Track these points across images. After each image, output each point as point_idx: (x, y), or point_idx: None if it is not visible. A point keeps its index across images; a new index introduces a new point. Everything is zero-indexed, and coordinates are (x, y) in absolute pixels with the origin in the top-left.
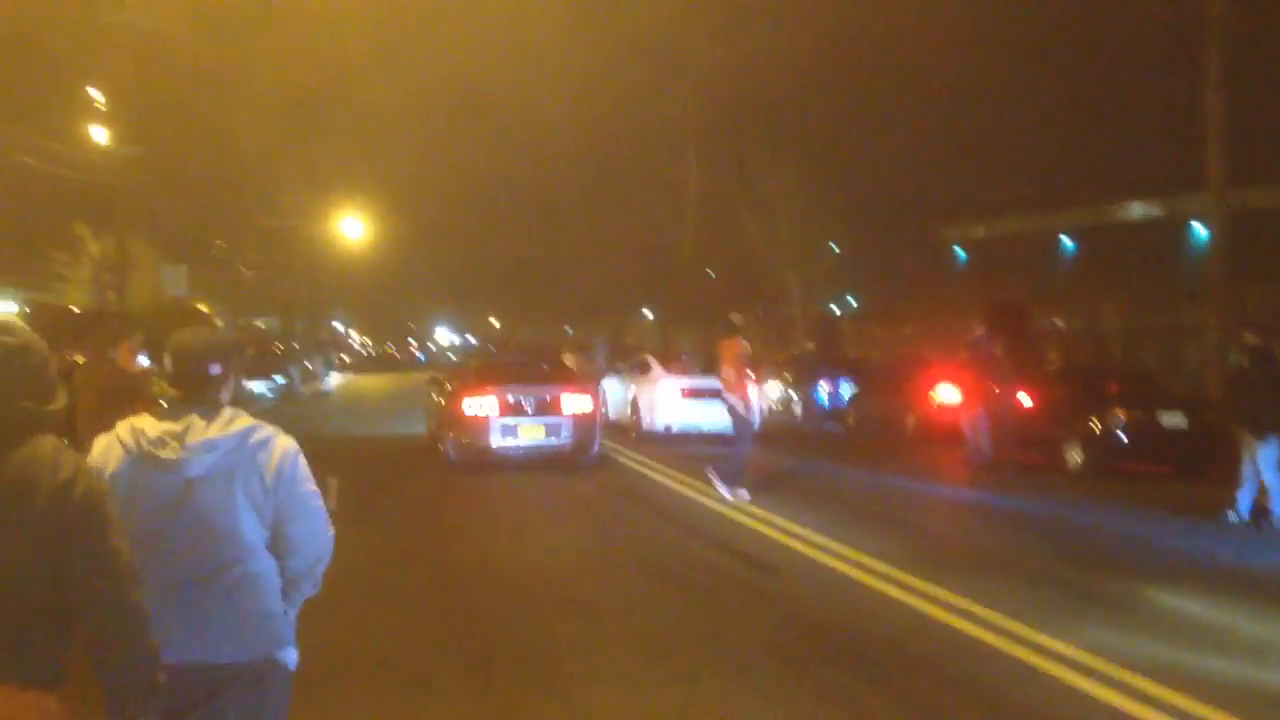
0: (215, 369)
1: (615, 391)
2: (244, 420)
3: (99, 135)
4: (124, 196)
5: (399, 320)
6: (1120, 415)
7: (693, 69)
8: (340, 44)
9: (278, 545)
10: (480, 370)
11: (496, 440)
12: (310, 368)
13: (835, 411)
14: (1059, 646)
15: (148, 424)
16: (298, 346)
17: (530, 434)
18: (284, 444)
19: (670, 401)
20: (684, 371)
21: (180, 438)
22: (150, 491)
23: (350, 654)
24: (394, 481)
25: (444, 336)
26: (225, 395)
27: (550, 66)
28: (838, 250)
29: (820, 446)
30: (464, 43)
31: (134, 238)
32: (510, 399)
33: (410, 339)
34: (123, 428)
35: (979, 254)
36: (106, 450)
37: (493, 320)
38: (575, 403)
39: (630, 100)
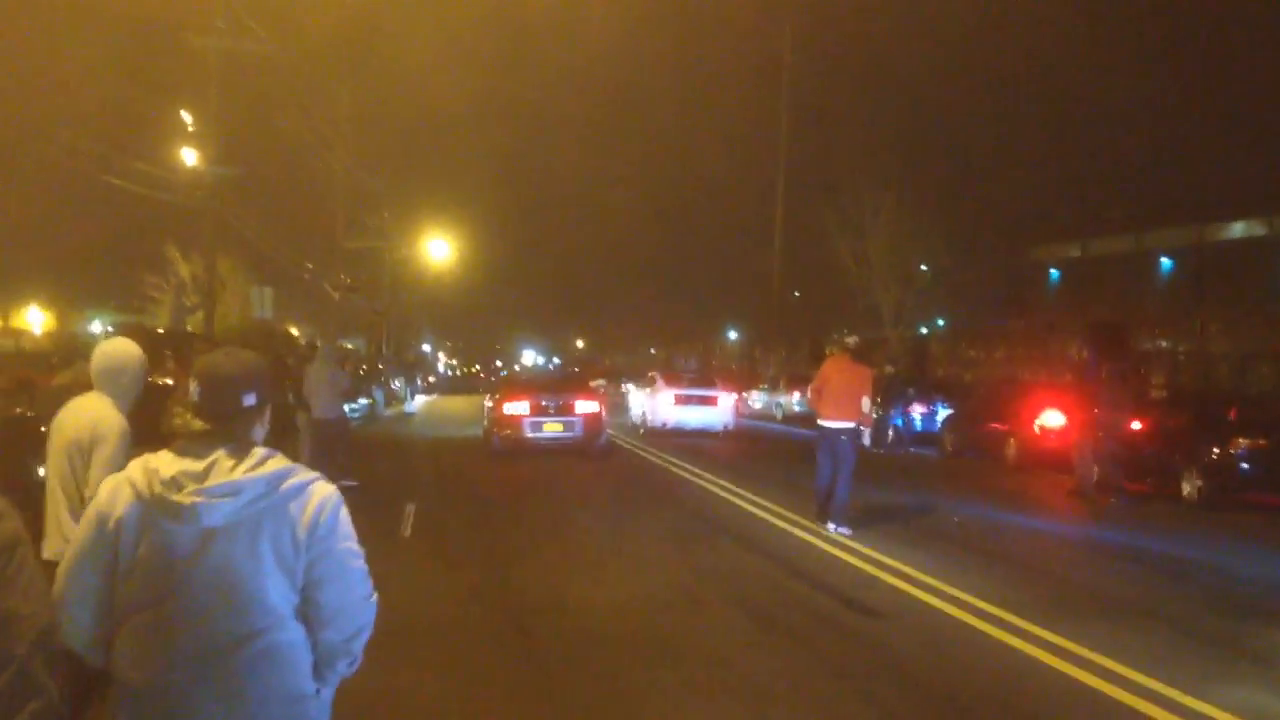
0: (249, 399)
1: (635, 400)
2: (277, 462)
3: (189, 158)
4: (212, 218)
5: (487, 342)
6: (1242, 443)
7: (784, 91)
8: (434, 68)
9: (309, 613)
10: (518, 384)
11: (528, 433)
12: (395, 389)
13: (929, 435)
14: (1204, 708)
15: (164, 462)
16: (382, 367)
17: (551, 429)
18: (322, 492)
19: (667, 406)
20: (680, 384)
21: (200, 480)
22: (162, 543)
23: (409, 706)
24: (462, 501)
25: (529, 358)
26: (260, 431)
27: (643, 91)
28: (928, 271)
29: (915, 473)
30: (559, 73)
31: (223, 259)
32: (540, 403)
33: (497, 361)
34: (135, 466)
35: (1073, 274)
36: (114, 491)
37: (579, 343)
38: (585, 406)
39: (721, 123)
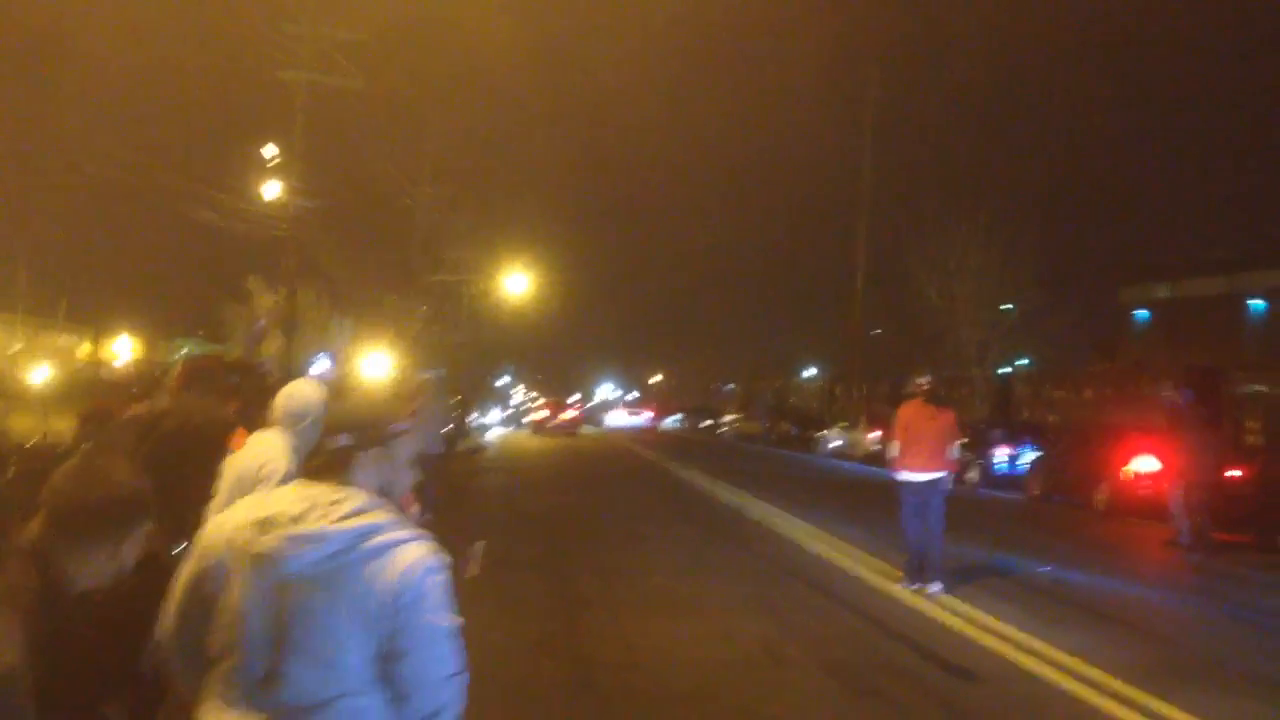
0: (342, 439)
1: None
2: (375, 515)
3: (272, 190)
4: (294, 249)
5: (568, 376)
6: None
7: (869, 126)
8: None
9: (390, 683)
10: (550, 403)
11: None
12: (469, 422)
13: (1013, 478)
14: None
15: (273, 499)
16: (458, 399)
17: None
18: (413, 554)
19: (617, 418)
20: (627, 409)
21: (295, 522)
22: (243, 587)
23: None
24: (529, 540)
25: (606, 391)
26: (365, 477)
27: (731, 129)
28: (1013, 310)
29: (999, 518)
30: (646, 112)
31: (303, 291)
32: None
33: (576, 394)
34: (245, 502)
35: (1163, 316)
36: (217, 527)
37: (657, 377)
38: (573, 412)
39: (808, 158)
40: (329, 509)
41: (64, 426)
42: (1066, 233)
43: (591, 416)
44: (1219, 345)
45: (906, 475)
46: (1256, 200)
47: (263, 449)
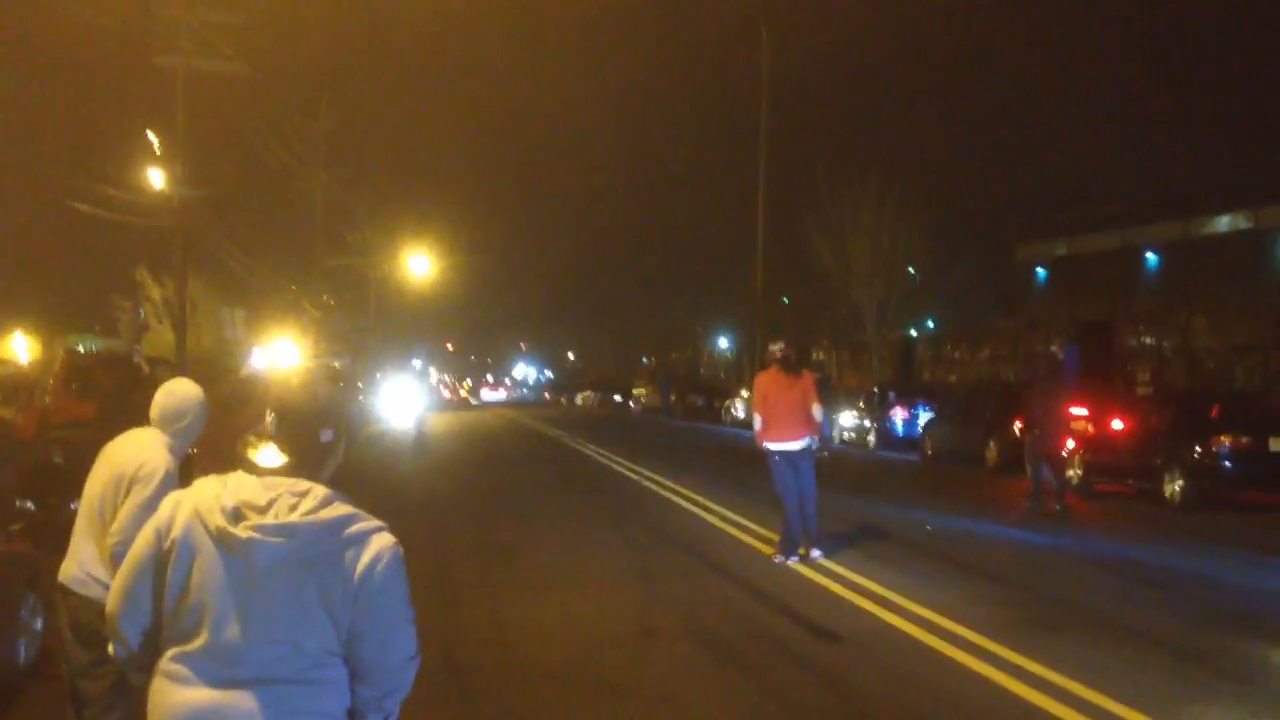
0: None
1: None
2: (339, 508)
3: (157, 179)
4: (181, 240)
5: (481, 357)
6: (1225, 441)
7: (763, 86)
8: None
9: (350, 663)
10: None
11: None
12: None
13: (911, 440)
14: None
15: (230, 489)
16: (361, 386)
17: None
18: (381, 544)
19: (486, 392)
20: (493, 385)
21: (261, 513)
22: (213, 573)
23: None
24: (418, 521)
25: (521, 372)
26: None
27: (615, 85)
28: (914, 273)
29: (893, 480)
30: (538, 82)
31: (195, 281)
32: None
33: (488, 375)
34: (202, 487)
35: (1060, 272)
36: (175, 509)
37: (570, 355)
38: (462, 392)
39: (704, 127)
40: (295, 501)
41: None
42: (960, 191)
43: (474, 393)
44: (1116, 300)
45: (772, 446)
46: (1148, 154)
47: (140, 448)
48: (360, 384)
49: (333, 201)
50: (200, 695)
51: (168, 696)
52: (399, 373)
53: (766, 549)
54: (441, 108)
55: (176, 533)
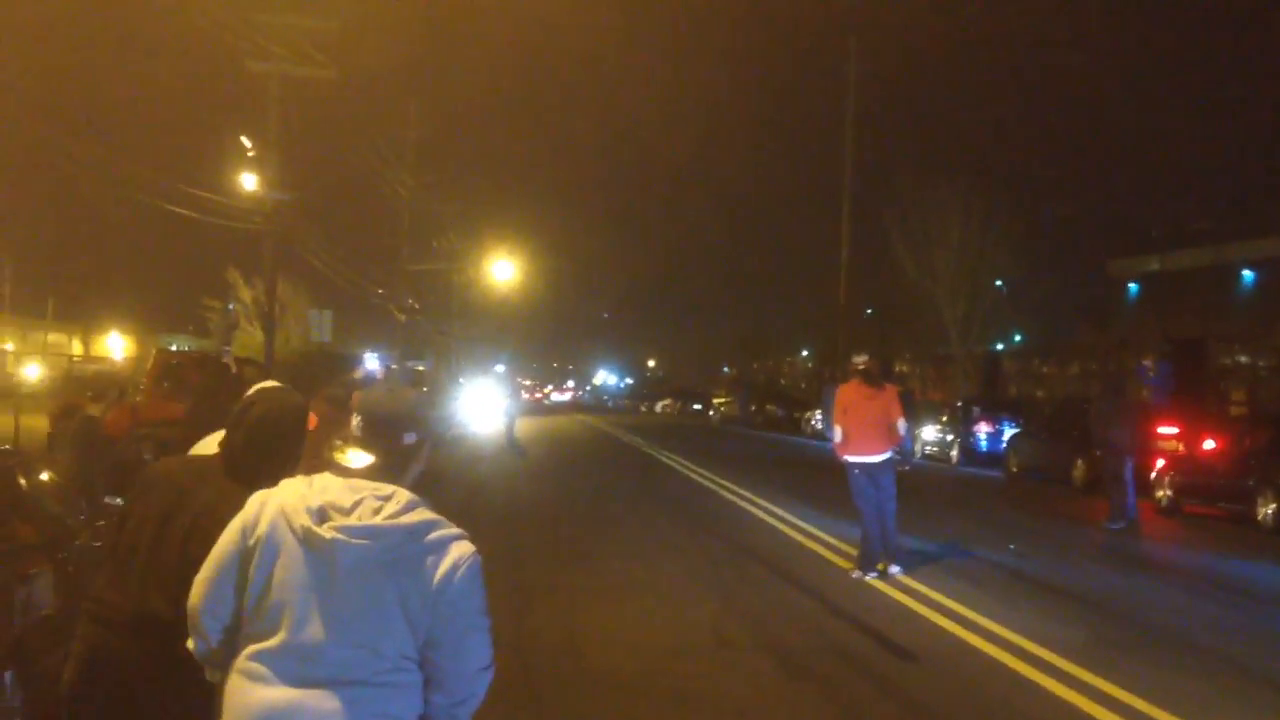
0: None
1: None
2: (422, 513)
3: (250, 183)
4: (272, 242)
5: (566, 362)
6: None
7: (849, 95)
8: (499, 88)
9: (425, 669)
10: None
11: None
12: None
13: (994, 456)
14: None
15: (318, 489)
16: (444, 390)
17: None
18: (460, 552)
19: (556, 395)
20: (561, 390)
21: (345, 514)
22: (296, 572)
23: None
24: (494, 526)
25: (601, 378)
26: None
27: (702, 92)
28: (1002, 286)
29: (975, 496)
30: (621, 82)
31: (284, 283)
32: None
33: (570, 381)
34: (289, 486)
35: (1152, 288)
36: (262, 506)
37: (651, 362)
38: (539, 394)
39: (786, 126)
40: (379, 504)
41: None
42: (1049, 204)
43: (547, 395)
44: (1209, 317)
45: (854, 458)
46: (1244, 168)
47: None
48: (443, 388)
49: (419, 207)
50: (277, 694)
51: (245, 695)
52: (483, 376)
53: (845, 564)
54: (530, 115)
55: (262, 530)
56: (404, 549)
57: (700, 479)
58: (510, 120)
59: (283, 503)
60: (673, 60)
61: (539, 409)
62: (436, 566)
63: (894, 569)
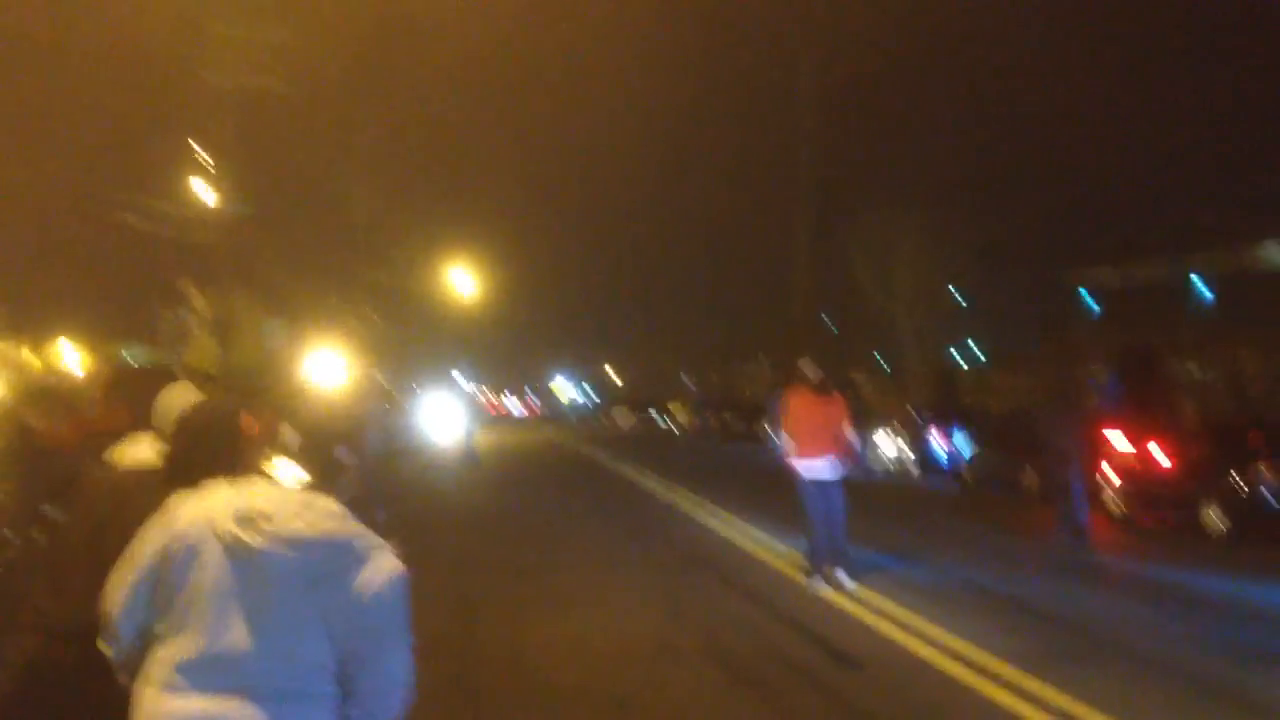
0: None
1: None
2: (349, 526)
3: (205, 194)
4: (225, 252)
5: (521, 371)
6: (1264, 471)
7: (802, 109)
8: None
9: (343, 682)
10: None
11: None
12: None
13: (947, 465)
14: None
15: (243, 494)
16: (400, 400)
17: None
18: (384, 565)
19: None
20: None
21: (270, 521)
22: (216, 575)
23: None
24: (446, 539)
25: (559, 385)
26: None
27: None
28: (957, 295)
29: (928, 507)
30: (574, 98)
31: (237, 294)
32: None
33: (527, 388)
34: (213, 490)
35: (1106, 299)
36: (183, 507)
37: (608, 369)
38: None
39: (744, 136)
40: (302, 511)
41: None
42: (1005, 212)
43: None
44: (1162, 328)
45: (800, 465)
46: (1195, 184)
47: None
48: (400, 398)
49: (373, 217)
50: (193, 704)
51: (158, 704)
52: (438, 386)
53: (794, 572)
54: (485, 125)
55: (181, 532)
56: (328, 560)
57: (652, 488)
58: (469, 127)
59: (208, 507)
60: (627, 68)
61: (499, 421)
62: (359, 579)
63: (841, 576)
